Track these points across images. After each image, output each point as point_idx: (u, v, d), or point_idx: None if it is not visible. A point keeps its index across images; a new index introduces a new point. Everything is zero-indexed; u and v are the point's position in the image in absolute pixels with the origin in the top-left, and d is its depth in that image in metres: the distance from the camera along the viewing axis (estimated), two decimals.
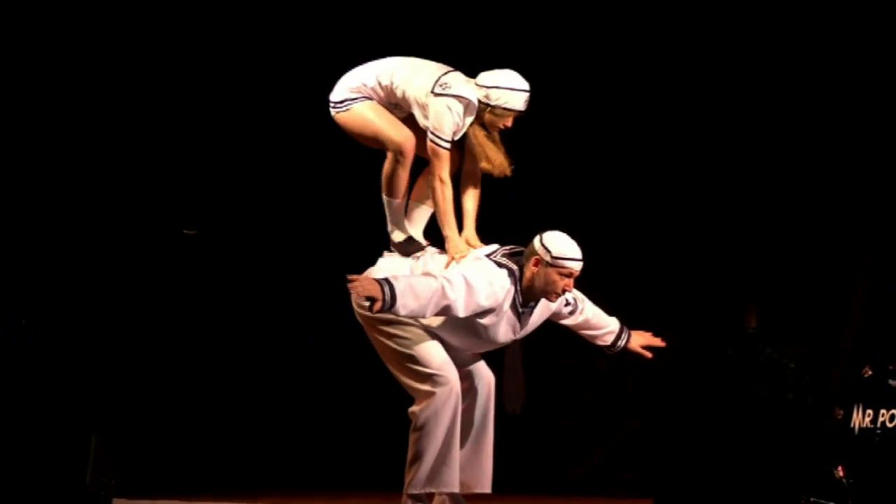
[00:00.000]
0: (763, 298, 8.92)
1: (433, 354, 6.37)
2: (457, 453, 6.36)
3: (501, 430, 7.95)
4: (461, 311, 6.17)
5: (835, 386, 8.39)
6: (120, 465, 7.06)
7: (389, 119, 6.57)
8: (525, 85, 6.48)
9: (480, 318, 6.26)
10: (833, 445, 7.41)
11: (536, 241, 6.27)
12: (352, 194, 8.69)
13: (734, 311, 8.75)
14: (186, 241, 9.21)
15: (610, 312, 7.07)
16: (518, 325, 6.34)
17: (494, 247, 6.39)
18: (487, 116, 6.47)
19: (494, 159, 6.52)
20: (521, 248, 6.34)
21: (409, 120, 6.59)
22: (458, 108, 6.41)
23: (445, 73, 6.51)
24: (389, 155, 6.58)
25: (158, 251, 9.32)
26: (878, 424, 7.27)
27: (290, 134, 9.73)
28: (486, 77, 6.48)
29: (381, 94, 6.56)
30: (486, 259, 6.31)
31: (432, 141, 6.38)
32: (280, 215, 9.83)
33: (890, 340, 8.56)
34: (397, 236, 6.66)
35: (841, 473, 7.24)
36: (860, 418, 7.36)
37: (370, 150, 6.65)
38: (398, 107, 6.59)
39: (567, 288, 6.30)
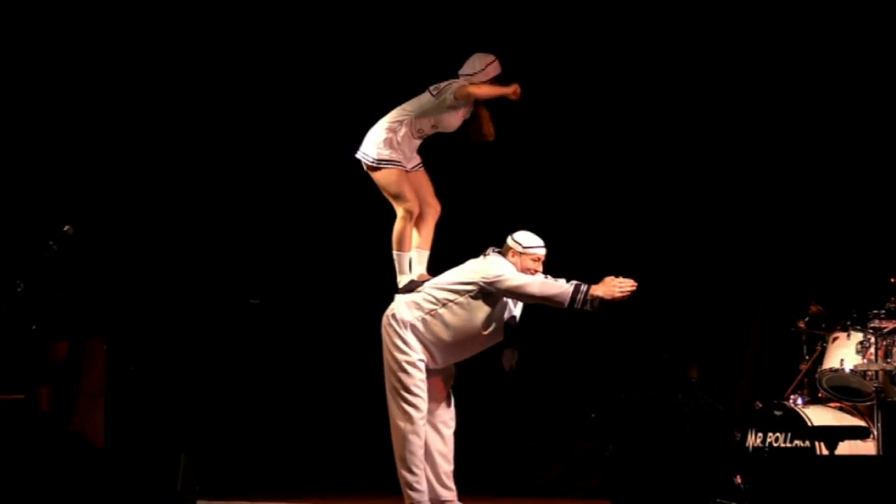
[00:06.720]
0: (701, 354, 9.17)
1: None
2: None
3: (477, 441, 8.74)
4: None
5: (735, 416, 8.73)
6: (202, 475, 7.39)
7: (407, 187, 7.37)
8: (490, 56, 7.43)
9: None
10: (734, 460, 8.19)
11: (508, 239, 7.36)
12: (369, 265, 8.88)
13: (681, 366, 8.96)
14: (252, 309, 9.90)
15: (587, 371, 8.50)
16: (513, 302, 7.38)
17: (490, 250, 7.37)
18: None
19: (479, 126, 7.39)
20: (500, 248, 7.36)
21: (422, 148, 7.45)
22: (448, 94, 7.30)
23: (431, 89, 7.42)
24: (399, 216, 7.44)
25: (230, 316, 9.96)
26: (767, 444, 8.27)
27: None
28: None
29: (406, 129, 7.34)
30: (498, 256, 7.32)
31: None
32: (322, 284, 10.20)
33: (773, 383, 9.06)
34: (403, 279, 7.52)
35: (739, 481, 8.01)
36: (753, 440, 8.38)
37: (381, 232, 7.59)
38: (421, 130, 7.36)
39: (538, 269, 7.36)
